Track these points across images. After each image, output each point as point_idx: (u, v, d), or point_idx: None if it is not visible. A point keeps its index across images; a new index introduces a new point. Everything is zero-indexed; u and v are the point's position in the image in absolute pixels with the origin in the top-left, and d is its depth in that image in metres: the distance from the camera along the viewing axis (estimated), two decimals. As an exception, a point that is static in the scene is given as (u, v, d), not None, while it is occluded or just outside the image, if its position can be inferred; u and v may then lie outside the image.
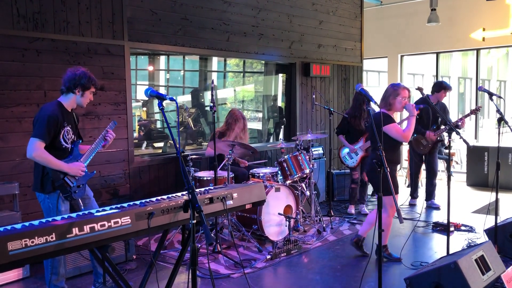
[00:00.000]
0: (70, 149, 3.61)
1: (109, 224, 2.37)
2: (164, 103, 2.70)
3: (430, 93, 6.60)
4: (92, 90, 3.67)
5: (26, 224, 2.27)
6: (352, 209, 6.59)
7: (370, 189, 7.64)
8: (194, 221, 2.39)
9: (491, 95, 4.58)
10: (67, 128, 3.57)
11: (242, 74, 8.45)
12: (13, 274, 4.16)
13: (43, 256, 2.16)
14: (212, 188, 3.21)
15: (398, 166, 8.82)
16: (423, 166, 7.05)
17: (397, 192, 4.55)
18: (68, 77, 3.56)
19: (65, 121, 3.54)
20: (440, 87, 6.51)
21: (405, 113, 4.75)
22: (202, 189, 3.04)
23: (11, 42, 4.54)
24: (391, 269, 4.39)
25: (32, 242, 2.10)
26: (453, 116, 13.29)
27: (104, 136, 3.73)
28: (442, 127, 6.59)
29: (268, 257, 4.65)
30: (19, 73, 4.61)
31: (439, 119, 6.65)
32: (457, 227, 5.67)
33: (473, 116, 9.84)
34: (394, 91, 4.48)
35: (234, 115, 5.89)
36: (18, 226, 2.23)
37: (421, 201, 7.03)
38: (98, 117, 5.18)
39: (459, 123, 6.08)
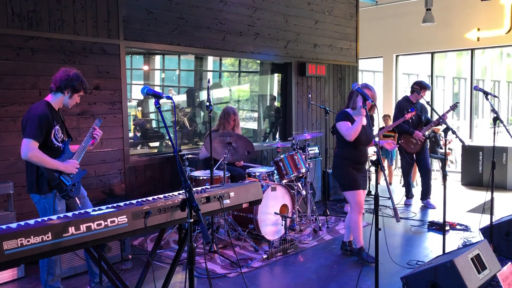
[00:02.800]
0: (62, 148, 3.59)
1: (106, 223, 2.35)
2: (160, 102, 2.69)
3: (410, 93, 6.71)
4: (81, 93, 3.64)
5: (22, 223, 2.25)
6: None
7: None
8: (191, 220, 2.38)
9: (486, 94, 4.60)
10: (57, 127, 3.54)
11: (237, 73, 8.44)
12: (7, 275, 4.13)
13: (39, 255, 2.14)
14: (209, 187, 3.21)
15: (386, 166, 8.89)
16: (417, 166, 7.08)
17: (358, 188, 4.48)
18: (60, 77, 3.53)
19: (54, 120, 3.51)
20: (422, 86, 6.57)
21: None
22: (199, 188, 3.03)
23: (5, 40, 4.51)
24: (388, 268, 4.39)
25: (28, 241, 2.08)
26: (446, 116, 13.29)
27: (91, 134, 3.71)
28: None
29: (265, 256, 4.65)
30: (14, 72, 4.58)
31: (423, 117, 6.70)
32: (453, 226, 5.69)
33: (467, 116, 9.89)
34: (357, 90, 4.49)
35: (225, 111, 5.90)
36: (14, 225, 2.21)
37: (416, 201, 7.05)
38: (93, 116, 5.16)
39: (442, 119, 6.14)
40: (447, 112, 6.35)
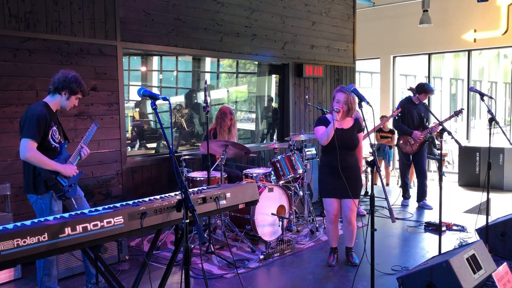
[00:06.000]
0: (59, 149, 3.60)
1: (102, 224, 2.36)
2: (157, 103, 2.70)
3: (412, 94, 6.73)
4: (79, 96, 3.66)
5: (18, 224, 2.25)
6: (361, 210, 6.60)
7: (363, 189, 7.67)
8: (187, 221, 2.39)
9: (482, 95, 4.62)
10: (54, 128, 3.55)
11: (235, 74, 8.45)
12: (4, 276, 4.13)
13: (35, 256, 2.14)
14: (205, 188, 3.22)
15: (383, 168, 8.89)
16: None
17: (326, 196, 4.44)
18: (58, 78, 3.55)
19: (52, 121, 3.53)
20: (422, 90, 6.59)
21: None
22: (195, 189, 3.04)
23: (2, 42, 4.51)
24: (384, 268, 4.41)
25: (24, 242, 2.09)
26: (443, 117, 13.34)
27: (79, 151, 3.73)
28: (431, 126, 6.68)
29: (261, 257, 4.66)
30: (11, 73, 4.58)
31: (425, 119, 6.72)
32: (449, 227, 5.71)
33: (464, 117, 9.91)
34: (333, 94, 4.37)
35: (221, 111, 5.91)
36: (10, 226, 2.22)
37: (413, 202, 7.07)
38: (90, 118, 5.16)
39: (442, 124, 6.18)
40: (450, 117, 6.37)
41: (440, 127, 4.54)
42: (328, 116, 4.41)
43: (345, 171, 4.31)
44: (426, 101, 7.04)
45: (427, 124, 6.79)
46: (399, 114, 6.67)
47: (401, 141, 6.79)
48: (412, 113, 6.68)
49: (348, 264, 4.55)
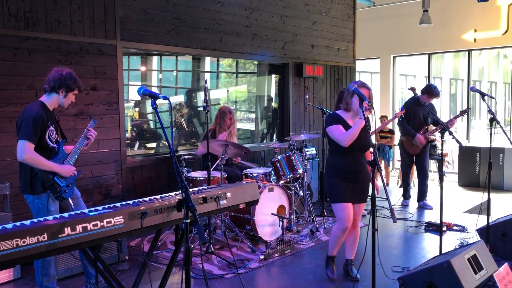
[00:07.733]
0: (56, 149, 3.58)
1: (102, 223, 2.35)
2: (157, 102, 2.68)
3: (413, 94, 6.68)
4: (75, 92, 3.63)
5: (18, 224, 2.24)
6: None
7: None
8: (188, 221, 2.37)
9: (483, 95, 4.61)
10: (51, 128, 3.53)
11: (235, 74, 8.44)
12: (3, 276, 4.12)
13: (35, 256, 2.13)
14: (205, 187, 3.20)
15: (383, 168, 8.87)
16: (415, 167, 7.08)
17: (341, 201, 3.97)
18: (53, 77, 3.52)
19: (49, 121, 3.51)
20: (430, 92, 6.55)
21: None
22: (196, 189, 3.03)
23: (2, 41, 4.49)
24: (385, 269, 4.39)
25: (24, 242, 2.07)
26: (444, 117, 13.39)
27: (85, 135, 3.70)
28: (433, 127, 6.65)
29: (262, 257, 4.64)
30: (10, 72, 4.56)
31: (429, 120, 6.70)
32: (450, 227, 5.70)
33: (464, 117, 9.91)
34: (352, 89, 3.78)
35: (221, 110, 5.90)
36: (9, 226, 2.20)
37: (413, 202, 7.06)
38: (90, 117, 5.13)
39: (448, 125, 6.14)
40: (456, 117, 6.36)
41: (445, 126, 4.51)
42: (340, 113, 4.01)
43: (359, 174, 4.01)
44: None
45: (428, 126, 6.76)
46: (403, 116, 6.63)
47: (404, 142, 6.76)
48: (418, 114, 6.64)
49: (347, 278, 4.19)
